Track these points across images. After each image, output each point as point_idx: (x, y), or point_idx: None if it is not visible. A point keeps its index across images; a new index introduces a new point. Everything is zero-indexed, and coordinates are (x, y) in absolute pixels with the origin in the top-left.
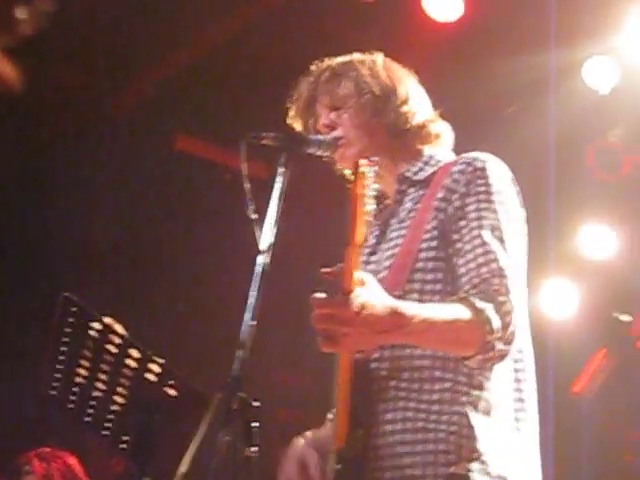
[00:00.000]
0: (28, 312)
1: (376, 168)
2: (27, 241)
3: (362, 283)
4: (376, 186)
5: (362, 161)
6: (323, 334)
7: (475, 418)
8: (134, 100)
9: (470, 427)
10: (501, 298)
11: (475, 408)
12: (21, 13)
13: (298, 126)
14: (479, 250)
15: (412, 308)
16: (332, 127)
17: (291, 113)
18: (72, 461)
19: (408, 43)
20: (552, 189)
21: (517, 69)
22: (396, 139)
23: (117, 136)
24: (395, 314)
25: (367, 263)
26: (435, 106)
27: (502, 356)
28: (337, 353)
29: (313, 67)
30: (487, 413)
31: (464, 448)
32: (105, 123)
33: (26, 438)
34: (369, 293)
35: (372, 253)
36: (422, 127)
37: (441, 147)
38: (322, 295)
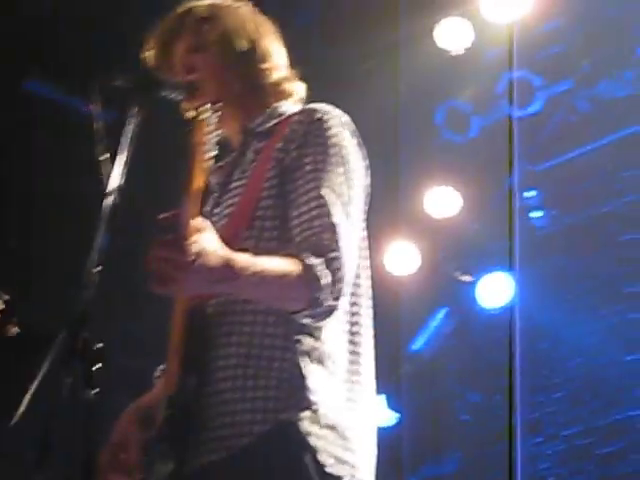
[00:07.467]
0: None
1: (219, 113)
2: None
3: (199, 230)
4: (219, 132)
5: (202, 107)
6: (155, 275)
7: (308, 367)
8: None
9: (302, 376)
10: (332, 254)
11: (309, 356)
12: None
13: (151, 61)
14: (313, 203)
15: (245, 261)
16: (190, 69)
17: (148, 46)
18: None
19: None
20: (400, 150)
21: (369, 33)
22: (249, 92)
23: None
24: (228, 266)
25: (212, 215)
26: (292, 64)
27: (330, 311)
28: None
29: (179, 6)
30: (320, 362)
31: (295, 396)
32: None
33: None
34: (205, 241)
35: (216, 205)
36: (277, 84)
37: (289, 101)
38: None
